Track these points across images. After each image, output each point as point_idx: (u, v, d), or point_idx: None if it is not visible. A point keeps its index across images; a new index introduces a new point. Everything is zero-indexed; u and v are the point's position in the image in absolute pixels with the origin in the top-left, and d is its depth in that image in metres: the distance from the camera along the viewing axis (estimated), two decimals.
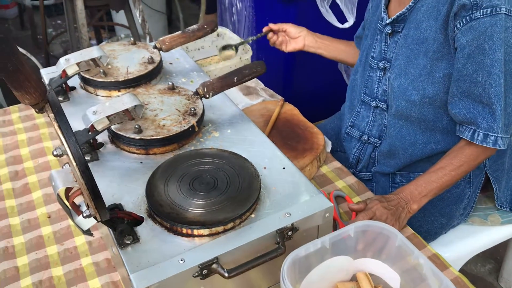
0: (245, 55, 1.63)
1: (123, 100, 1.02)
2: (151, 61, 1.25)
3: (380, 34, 1.31)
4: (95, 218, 0.78)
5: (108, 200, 0.91)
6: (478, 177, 1.32)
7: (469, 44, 1.07)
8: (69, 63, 1.18)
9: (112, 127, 1.03)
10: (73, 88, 1.25)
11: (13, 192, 1.20)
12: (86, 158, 1.01)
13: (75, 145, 0.69)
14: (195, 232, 0.85)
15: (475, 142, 1.12)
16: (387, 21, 1.25)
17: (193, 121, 1.06)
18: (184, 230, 0.85)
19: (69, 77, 1.18)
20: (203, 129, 1.11)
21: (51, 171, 0.82)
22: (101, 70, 1.20)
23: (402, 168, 1.33)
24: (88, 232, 0.82)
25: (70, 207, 0.81)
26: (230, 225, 0.86)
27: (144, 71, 1.22)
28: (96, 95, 1.22)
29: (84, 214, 0.78)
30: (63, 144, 0.70)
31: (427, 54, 1.16)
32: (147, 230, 0.86)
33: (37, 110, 0.70)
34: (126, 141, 1.03)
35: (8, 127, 1.42)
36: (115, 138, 1.05)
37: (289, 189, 0.94)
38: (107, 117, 1.00)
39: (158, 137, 1.02)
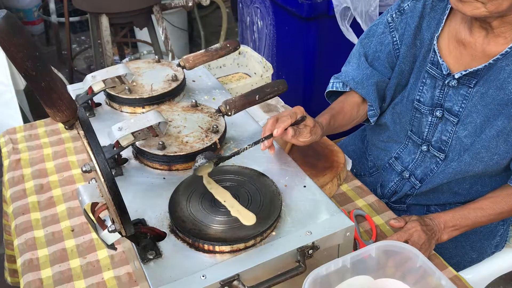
0: (266, 73, 1.65)
1: (148, 117, 1.05)
2: (175, 78, 1.27)
3: (431, 79, 1.20)
4: (120, 233, 0.80)
5: (132, 215, 0.92)
6: None
7: None
8: (95, 80, 1.21)
9: (137, 143, 1.05)
10: (99, 104, 1.28)
11: (38, 205, 1.23)
12: None
13: (103, 162, 0.71)
14: (217, 248, 0.86)
15: None
16: (456, 76, 1.13)
17: (215, 138, 1.08)
18: (206, 246, 0.86)
19: (95, 94, 1.21)
20: (225, 146, 1.12)
21: (78, 186, 0.84)
22: (126, 87, 1.23)
23: (438, 199, 1.30)
24: (112, 247, 0.84)
25: (95, 222, 0.83)
26: (251, 242, 0.87)
27: (168, 89, 1.24)
28: (121, 111, 1.25)
29: (110, 229, 0.80)
30: (91, 160, 0.72)
31: (510, 117, 1.09)
32: (170, 245, 0.88)
33: (67, 127, 0.72)
34: (149, 157, 1.05)
35: (34, 141, 1.46)
36: (139, 154, 1.08)
37: (310, 207, 0.95)
38: (132, 133, 1.02)
39: (181, 153, 1.04)
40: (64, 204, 1.22)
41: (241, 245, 0.86)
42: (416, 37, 1.22)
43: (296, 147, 1.37)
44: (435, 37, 1.17)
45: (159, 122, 1.05)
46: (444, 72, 1.16)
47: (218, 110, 1.14)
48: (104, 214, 0.84)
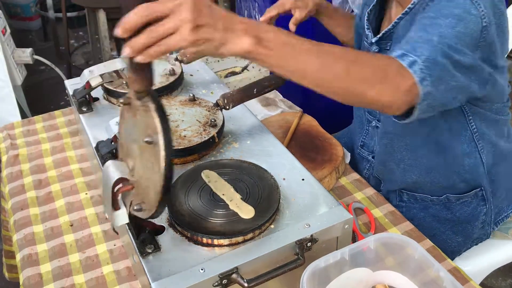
0: (263, 67, 1.64)
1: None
2: (172, 73, 1.27)
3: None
4: (151, 215, 0.77)
5: None
6: (496, 195, 1.29)
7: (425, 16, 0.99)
8: (93, 74, 1.20)
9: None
10: (97, 99, 1.28)
11: (36, 201, 1.23)
12: None
13: (169, 136, 0.70)
14: (215, 241, 0.86)
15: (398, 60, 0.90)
16: (373, 40, 1.19)
17: (213, 132, 1.08)
18: (205, 240, 0.86)
19: (92, 88, 1.21)
20: (223, 140, 1.12)
21: (108, 161, 0.81)
22: (124, 82, 1.23)
23: (405, 187, 1.30)
24: (115, 230, 0.82)
25: (112, 199, 0.80)
26: (249, 235, 0.87)
27: (165, 83, 1.24)
28: (119, 106, 1.25)
29: (135, 207, 0.78)
30: (157, 134, 0.71)
31: None
32: (168, 239, 0.88)
33: (136, 97, 0.74)
34: None
35: (32, 137, 1.46)
36: None
37: (308, 200, 0.95)
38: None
39: (179, 147, 1.04)
40: (62, 199, 1.22)
41: (240, 238, 0.86)
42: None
43: (295, 140, 1.37)
44: (366, 12, 1.24)
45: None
46: (369, 41, 1.22)
47: (216, 104, 1.14)
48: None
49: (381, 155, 1.30)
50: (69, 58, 3.30)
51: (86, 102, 1.25)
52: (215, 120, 1.10)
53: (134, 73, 0.72)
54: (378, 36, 1.19)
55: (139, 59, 0.69)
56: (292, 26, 1.28)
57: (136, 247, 0.86)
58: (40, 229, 1.15)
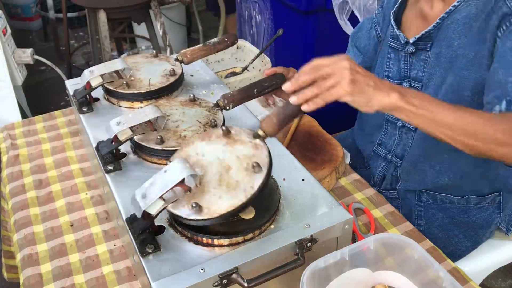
0: (264, 67, 1.64)
1: (146, 112, 1.04)
2: (172, 73, 1.27)
3: (394, 53, 1.26)
4: (208, 219, 0.81)
5: (130, 209, 0.93)
6: (509, 203, 1.30)
7: (507, 47, 0.99)
8: (93, 74, 1.20)
9: (135, 137, 1.05)
10: (97, 99, 1.28)
11: (37, 200, 1.23)
12: (109, 167, 1.04)
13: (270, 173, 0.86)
14: (215, 242, 0.86)
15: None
16: (411, 40, 1.19)
17: None
18: (205, 240, 0.86)
19: (93, 89, 1.21)
20: None
21: (172, 161, 0.85)
22: (124, 82, 1.23)
23: (430, 188, 1.29)
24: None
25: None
26: (249, 235, 0.87)
27: (166, 83, 1.24)
28: (119, 106, 1.25)
29: (193, 205, 0.81)
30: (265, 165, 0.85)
31: (454, 71, 1.12)
32: (168, 239, 0.88)
33: (254, 136, 0.89)
34: (148, 152, 1.05)
35: (32, 137, 1.46)
36: (138, 149, 1.08)
37: (308, 201, 0.95)
38: (130, 128, 1.02)
39: (180, 148, 1.03)
40: (63, 199, 1.22)
41: (240, 238, 0.86)
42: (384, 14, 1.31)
43: (295, 141, 1.37)
44: (391, 13, 1.25)
45: (157, 117, 1.05)
46: (402, 42, 1.22)
47: (216, 105, 1.14)
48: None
49: (415, 156, 1.27)
50: (69, 58, 3.30)
51: (86, 102, 1.25)
52: (215, 120, 1.10)
53: (278, 121, 0.87)
54: (417, 36, 1.18)
55: (306, 107, 0.86)
56: None
57: (136, 247, 0.86)
58: (40, 229, 1.15)
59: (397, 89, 0.88)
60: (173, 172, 0.82)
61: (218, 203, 0.82)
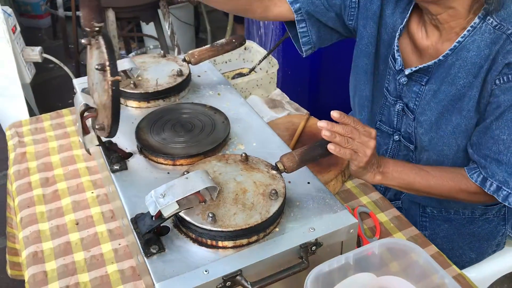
0: (271, 69, 1.64)
1: (193, 180, 0.87)
2: (180, 73, 1.27)
3: (393, 70, 1.20)
4: (108, 133, 0.93)
5: (136, 209, 0.93)
6: None
7: (504, 103, 1.00)
8: None
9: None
10: None
11: (43, 198, 1.23)
12: (115, 167, 1.04)
13: (115, 65, 0.88)
14: (220, 243, 0.86)
15: (486, 190, 1.04)
16: (406, 72, 1.14)
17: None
18: (209, 242, 0.86)
19: None
20: (229, 142, 1.12)
21: (77, 93, 1.01)
22: (132, 82, 1.23)
23: (434, 205, 1.28)
24: (88, 151, 1.03)
25: (82, 125, 0.98)
26: (254, 238, 0.87)
27: (173, 84, 1.24)
28: (126, 105, 1.25)
29: (97, 127, 0.94)
30: (106, 61, 0.87)
31: (461, 112, 1.09)
32: (173, 240, 0.88)
33: (91, 36, 0.90)
34: (154, 152, 1.05)
35: (40, 135, 1.47)
36: (144, 149, 1.08)
37: (314, 204, 0.95)
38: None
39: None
40: (69, 197, 1.23)
41: (244, 241, 0.86)
42: (381, 18, 1.21)
43: (301, 143, 1.37)
44: (399, 29, 1.16)
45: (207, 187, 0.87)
46: (396, 68, 1.18)
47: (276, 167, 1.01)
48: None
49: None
50: (78, 56, 3.31)
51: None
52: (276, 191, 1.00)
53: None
54: (413, 69, 1.13)
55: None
56: None
57: (141, 247, 0.86)
58: (46, 227, 1.15)
59: (380, 173, 1.05)
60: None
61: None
